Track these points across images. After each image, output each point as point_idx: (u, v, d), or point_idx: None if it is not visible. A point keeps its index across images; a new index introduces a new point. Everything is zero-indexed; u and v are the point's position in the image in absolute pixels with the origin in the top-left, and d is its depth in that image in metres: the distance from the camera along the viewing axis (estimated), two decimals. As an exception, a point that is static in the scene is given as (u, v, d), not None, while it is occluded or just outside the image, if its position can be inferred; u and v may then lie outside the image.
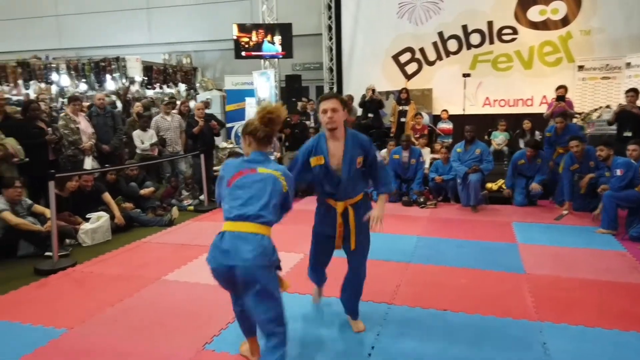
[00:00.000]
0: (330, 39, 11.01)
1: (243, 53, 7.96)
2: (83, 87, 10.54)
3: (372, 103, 9.02)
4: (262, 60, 8.17)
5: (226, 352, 2.89)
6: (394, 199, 7.21)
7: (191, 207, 6.83)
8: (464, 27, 10.36)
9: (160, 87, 10.63)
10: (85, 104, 7.56)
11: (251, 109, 8.11)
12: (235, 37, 7.93)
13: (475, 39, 10.35)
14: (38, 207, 5.00)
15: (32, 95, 9.33)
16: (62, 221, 5.25)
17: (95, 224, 5.30)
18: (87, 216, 5.37)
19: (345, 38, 10.92)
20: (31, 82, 10.38)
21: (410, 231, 5.56)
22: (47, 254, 4.64)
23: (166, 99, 8.84)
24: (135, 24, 12.73)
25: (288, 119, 7.71)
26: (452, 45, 10.51)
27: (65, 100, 8.67)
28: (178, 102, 8.20)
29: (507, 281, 4.00)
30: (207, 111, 7.57)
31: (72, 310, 3.46)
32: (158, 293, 3.82)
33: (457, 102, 9.70)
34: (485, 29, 10.26)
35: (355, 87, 10.28)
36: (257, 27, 7.63)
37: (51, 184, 4.36)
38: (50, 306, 3.56)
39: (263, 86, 7.68)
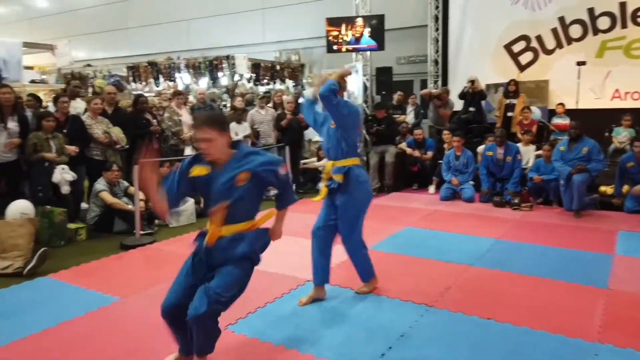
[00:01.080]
0: (437, 29, 10.54)
1: (334, 47, 8.00)
2: (203, 83, 11.49)
3: (474, 95, 8.43)
4: (354, 54, 8.13)
5: (244, 334, 2.96)
6: (485, 198, 6.70)
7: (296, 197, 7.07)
8: (590, 10, 9.15)
9: (267, 84, 11.16)
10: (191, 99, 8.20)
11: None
12: (326, 32, 8.05)
13: (603, 23, 9.08)
14: (133, 189, 5.59)
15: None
16: (154, 203, 5.81)
17: (182, 207, 5.76)
18: (176, 200, 5.86)
19: (453, 28, 10.37)
20: (160, 80, 11.60)
21: (489, 233, 5.12)
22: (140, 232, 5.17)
23: (263, 94, 9.26)
24: (251, 25, 13.52)
25: (373, 114, 7.57)
26: (575, 31, 9.35)
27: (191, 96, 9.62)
28: (285, 97, 8.50)
29: (580, 295, 3.48)
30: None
31: (130, 282, 3.83)
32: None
33: (581, 95, 8.62)
34: (616, 10, 8.95)
35: (461, 80, 9.69)
36: (347, 20, 7.60)
37: (135, 168, 4.85)
38: (115, 277, 3.99)
39: (352, 80, 7.66)
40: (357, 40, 7.29)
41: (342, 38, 7.60)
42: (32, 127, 5.10)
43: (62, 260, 4.40)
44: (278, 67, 11.54)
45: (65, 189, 5.05)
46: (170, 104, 7.24)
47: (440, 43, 10.50)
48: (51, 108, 6.08)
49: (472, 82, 8.15)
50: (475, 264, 4.15)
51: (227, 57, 10.24)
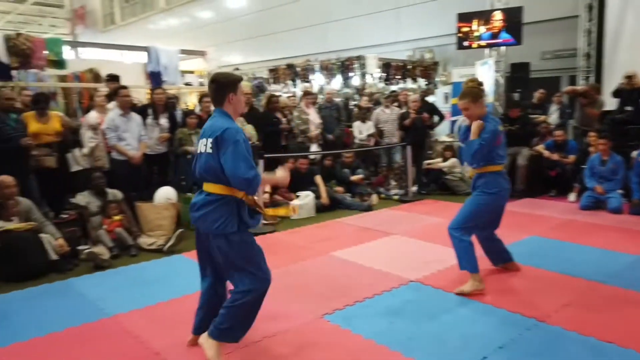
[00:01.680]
0: (590, 20, 9.44)
1: (465, 43, 7.64)
2: (336, 84, 11.88)
3: (631, 93, 7.39)
4: (487, 50, 7.65)
5: (338, 325, 3.05)
6: (635, 210, 5.86)
7: (396, 197, 7.06)
8: None
9: (397, 83, 11.11)
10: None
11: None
12: (457, 28, 7.72)
13: None
14: (260, 182, 6.06)
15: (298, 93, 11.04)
16: (279, 196, 6.24)
17: (303, 201, 6.09)
18: (297, 194, 6.21)
19: (610, 18, 9.17)
20: (297, 82, 12.28)
21: (633, 250, 4.48)
22: (262, 221, 5.59)
23: (389, 93, 9.24)
24: (385, 24, 13.56)
25: (506, 113, 7.09)
26: None
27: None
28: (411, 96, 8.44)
29: None
30: (433, 102, 7.55)
31: (247, 265, 4.18)
32: (319, 264, 4.22)
33: None
34: None
35: (618, 76, 8.53)
36: (479, 15, 7.18)
37: (260, 163, 5.26)
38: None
39: (484, 76, 7.21)
40: (495, 35, 6.87)
41: (473, 34, 7.25)
42: (180, 124, 5.83)
43: (194, 241, 4.95)
44: (410, 66, 11.42)
45: (203, 179, 5.67)
46: (300, 104, 7.65)
47: (594, 35, 9.38)
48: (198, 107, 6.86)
49: (630, 77, 7.17)
50: (607, 282, 3.68)
51: (358, 57, 10.44)
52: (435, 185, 7.64)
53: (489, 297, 3.41)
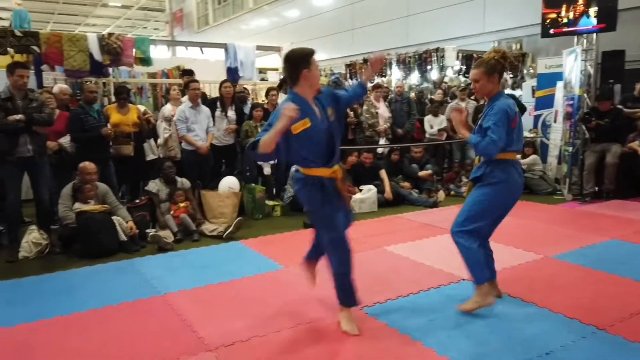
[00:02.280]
0: None
1: (551, 31, 7.02)
2: (414, 78, 11.61)
3: None
4: (575, 37, 6.93)
5: (375, 317, 2.98)
6: None
7: (466, 195, 6.72)
8: None
9: (479, 76, 10.60)
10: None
11: (560, 94, 7.09)
12: (542, 14, 7.12)
13: None
14: (323, 175, 6.08)
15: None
16: (342, 189, 6.21)
17: (364, 195, 6.02)
18: (360, 188, 6.16)
19: None
20: (376, 76, 12.16)
21: None
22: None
23: (464, 85, 8.81)
24: (470, 16, 12.96)
25: (595, 107, 6.45)
26: None
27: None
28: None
29: None
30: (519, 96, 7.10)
31: (297, 255, 4.20)
32: (369, 258, 4.14)
33: None
34: None
35: None
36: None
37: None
38: (287, 249, 4.44)
39: (571, 66, 6.55)
40: (582, 21, 6.25)
41: (561, 21, 6.66)
42: (248, 116, 6.03)
43: (255, 230, 5.12)
44: (493, 58, 10.83)
45: (267, 171, 5.83)
46: (369, 97, 7.56)
47: None
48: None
49: None
50: (691, 294, 3.23)
51: (437, 50, 10.10)
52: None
53: (548, 301, 3.13)
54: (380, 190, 6.21)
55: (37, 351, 2.61)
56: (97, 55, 6.99)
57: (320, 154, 2.61)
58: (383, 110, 7.36)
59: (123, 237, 4.43)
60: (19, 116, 4.01)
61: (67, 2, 21.99)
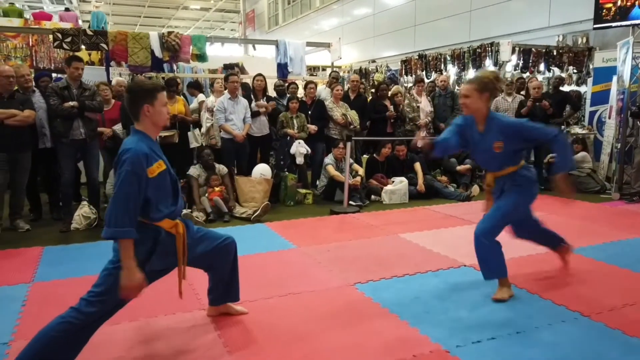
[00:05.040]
0: None
1: (606, 21, 6.59)
2: (470, 73, 11.36)
3: None
4: (630, 29, 6.43)
5: (363, 292, 3.13)
6: None
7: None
8: None
9: (538, 71, 10.15)
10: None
11: (614, 89, 6.65)
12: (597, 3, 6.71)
13: None
14: (355, 165, 6.23)
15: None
16: (375, 180, 6.35)
17: (395, 186, 6.10)
18: (392, 179, 6.24)
19: None
20: (431, 73, 12.05)
21: None
22: (350, 203, 5.79)
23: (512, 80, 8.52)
24: (535, 9, 12.45)
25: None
26: None
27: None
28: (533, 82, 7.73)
29: None
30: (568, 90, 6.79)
31: (312, 237, 4.45)
32: (379, 242, 4.28)
33: None
34: None
35: None
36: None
37: (348, 145, 5.47)
38: (306, 232, 4.68)
39: (623, 59, 6.11)
40: (627, 11, 5.84)
41: (614, 10, 6.27)
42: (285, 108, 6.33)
43: (283, 215, 5.40)
44: (554, 52, 10.34)
45: (299, 160, 6.08)
46: (412, 91, 7.59)
47: None
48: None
49: None
50: None
51: (491, 45, 9.84)
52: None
53: (541, 288, 3.12)
54: (414, 183, 6.26)
55: (69, 297, 3.04)
56: (158, 52, 7.62)
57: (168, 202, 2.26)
58: (425, 104, 7.37)
59: (160, 215, 4.86)
60: (73, 103, 4.57)
61: (152, 6, 23.69)
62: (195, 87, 7.28)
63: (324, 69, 13.84)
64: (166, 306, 2.91)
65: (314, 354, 2.37)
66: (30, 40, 8.48)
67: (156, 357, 2.38)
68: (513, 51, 9.85)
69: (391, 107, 7.05)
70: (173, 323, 2.73)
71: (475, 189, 6.32)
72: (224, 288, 2.73)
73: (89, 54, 8.87)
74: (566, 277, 3.36)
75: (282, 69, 8.62)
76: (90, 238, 4.46)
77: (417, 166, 6.41)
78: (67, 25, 9.51)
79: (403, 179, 6.18)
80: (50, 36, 7.76)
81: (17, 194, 4.66)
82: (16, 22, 9.34)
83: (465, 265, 3.60)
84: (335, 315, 2.79)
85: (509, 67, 10.65)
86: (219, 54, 9.16)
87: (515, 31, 12.50)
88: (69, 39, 7.19)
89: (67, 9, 11.28)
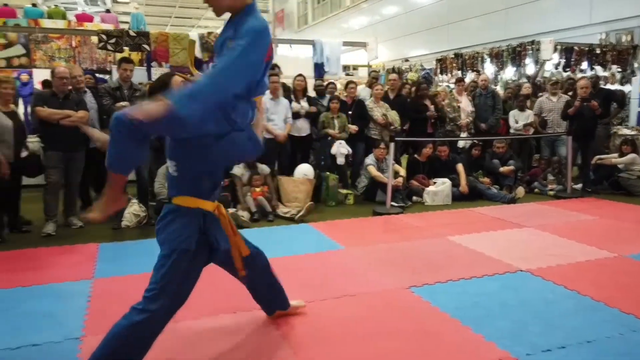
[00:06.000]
0: None
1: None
2: (509, 72, 11.15)
3: None
4: None
5: (420, 296, 3.09)
6: None
7: (552, 192, 6.42)
8: None
9: (581, 70, 9.87)
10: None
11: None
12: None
13: None
14: (396, 166, 6.18)
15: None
16: (416, 181, 6.28)
17: (438, 187, 6.02)
18: (434, 180, 6.16)
19: None
20: (467, 72, 11.86)
21: None
22: (392, 203, 5.74)
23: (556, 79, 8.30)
24: (574, 6, 12.12)
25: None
26: None
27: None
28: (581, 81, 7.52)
29: None
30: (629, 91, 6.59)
31: (358, 238, 4.42)
32: (428, 245, 4.22)
33: None
34: None
35: None
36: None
37: (391, 146, 5.42)
38: (351, 232, 4.66)
39: None
40: None
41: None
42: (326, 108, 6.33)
43: (326, 215, 5.39)
44: (598, 51, 10.04)
45: (340, 161, 6.07)
46: (452, 91, 7.49)
47: None
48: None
49: None
50: None
51: (532, 43, 9.62)
52: (607, 184, 6.69)
53: (605, 295, 3.02)
54: (456, 184, 6.17)
55: (131, 294, 3.10)
56: (198, 53, 7.72)
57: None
58: (465, 104, 7.26)
59: (207, 214, 4.92)
60: (125, 103, 4.66)
61: (182, 6, 24.05)
62: None
63: (355, 68, 13.80)
64: (227, 304, 2.94)
65: (379, 358, 2.35)
66: (74, 41, 8.70)
67: (221, 356, 2.39)
68: (554, 50, 9.62)
69: (432, 107, 6.96)
70: (235, 322, 2.76)
71: (520, 191, 6.18)
72: (266, 299, 2.73)
73: (129, 54, 9.08)
74: (628, 284, 3.25)
75: (319, 69, 8.62)
76: (142, 235, 4.53)
77: (460, 167, 6.32)
78: (107, 27, 9.73)
79: (446, 180, 6.10)
80: (93, 37, 7.95)
81: (71, 192, 4.78)
82: (60, 24, 9.60)
83: (521, 270, 3.52)
84: (395, 319, 2.76)
85: (549, 66, 10.42)
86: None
87: (554, 29, 12.19)
88: (113, 40, 7.35)
89: (107, 11, 11.55)
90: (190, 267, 2.11)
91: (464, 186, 6.13)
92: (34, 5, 11.35)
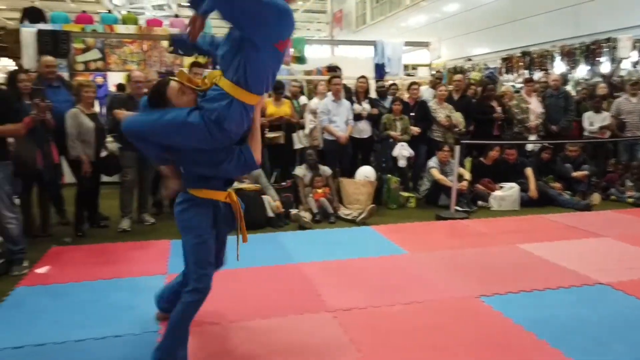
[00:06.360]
0: None
1: None
2: (582, 71, 10.58)
3: None
4: None
5: (490, 306, 2.99)
6: None
7: (631, 200, 6.02)
8: None
9: (662, 68, 9.18)
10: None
11: None
12: None
13: None
14: (461, 170, 6.00)
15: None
16: (481, 185, 6.09)
17: (505, 192, 5.80)
18: (501, 185, 5.94)
19: None
20: (535, 71, 11.35)
21: None
22: (456, 208, 5.60)
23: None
24: (656, 0, 11.30)
25: None
26: None
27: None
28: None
29: None
30: None
31: (423, 243, 4.35)
32: (498, 252, 4.08)
33: None
34: None
35: None
36: None
37: (457, 149, 5.29)
38: (415, 237, 4.59)
39: None
40: None
41: None
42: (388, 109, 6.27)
43: (387, 218, 5.34)
44: (683, 47, 9.30)
45: (402, 163, 5.98)
46: (520, 92, 7.19)
47: None
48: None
49: None
50: None
51: (607, 40, 9.06)
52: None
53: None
54: (525, 189, 5.91)
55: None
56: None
57: None
58: (535, 105, 6.94)
59: (270, 214, 5.02)
60: (194, 106, 4.83)
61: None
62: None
63: (414, 68, 13.57)
64: (294, 305, 2.98)
65: (452, 369, 2.29)
66: (145, 45, 9.13)
67: (290, 358, 2.42)
68: (633, 47, 9.01)
69: (499, 109, 6.71)
70: (302, 323, 2.79)
71: (595, 198, 5.84)
72: None
73: (195, 57, 9.41)
74: None
75: (380, 70, 8.55)
76: (208, 234, 4.68)
77: (529, 171, 6.05)
78: (175, 31, 10.13)
79: (514, 184, 5.86)
80: (164, 42, 8.30)
81: (144, 190, 5.02)
82: (132, 29, 10.10)
83: (600, 283, 3.32)
84: (466, 329, 2.69)
85: (627, 64, 9.77)
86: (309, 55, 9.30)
87: (630, 25, 11.42)
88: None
89: (176, 16, 12.04)
90: (209, 249, 2.31)
91: (533, 191, 5.87)
92: (109, 11, 12.01)
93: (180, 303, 2.25)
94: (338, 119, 5.79)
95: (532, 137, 6.91)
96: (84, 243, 4.34)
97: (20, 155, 4.00)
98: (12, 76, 4.44)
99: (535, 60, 10.92)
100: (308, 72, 10.47)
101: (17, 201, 3.99)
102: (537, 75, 11.09)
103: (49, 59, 4.97)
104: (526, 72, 11.36)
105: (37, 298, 3.13)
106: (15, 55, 6.65)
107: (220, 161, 2.20)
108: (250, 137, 2.28)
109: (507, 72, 11.71)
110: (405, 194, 5.98)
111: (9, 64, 9.08)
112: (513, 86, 9.45)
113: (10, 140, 3.75)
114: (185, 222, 2.30)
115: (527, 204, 5.83)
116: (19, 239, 3.63)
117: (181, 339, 2.28)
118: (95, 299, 3.08)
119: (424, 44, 9.16)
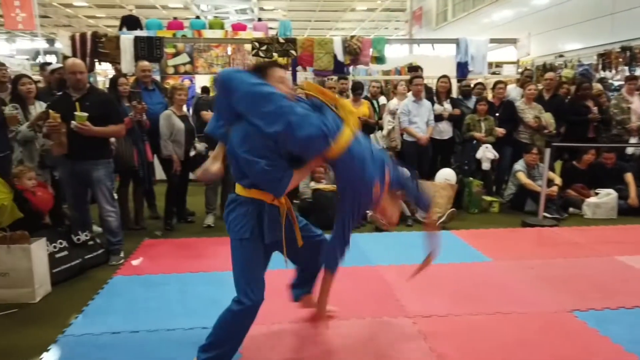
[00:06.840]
0: None
1: None
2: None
3: None
4: None
5: (585, 322, 2.79)
6: None
7: None
8: None
9: None
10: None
11: None
12: None
13: None
14: (550, 174, 5.63)
15: None
16: (574, 191, 5.69)
17: (601, 199, 5.37)
18: (596, 191, 5.51)
19: None
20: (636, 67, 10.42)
21: None
22: (544, 214, 5.26)
23: None
24: None
25: None
26: None
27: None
28: None
29: None
30: None
31: (508, 251, 4.15)
32: (592, 264, 3.79)
33: None
34: None
35: None
36: None
37: (547, 152, 4.97)
38: (499, 244, 4.39)
39: None
40: None
41: None
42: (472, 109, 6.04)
43: (468, 222, 5.15)
44: None
45: (486, 165, 5.73)
46: (621, 90, 6.63)
47: None
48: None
49: None
50: None
51: None
52: None
53: None
54: (623, 196, 5.44)
55: (278, 285, 3.31)
56: (340, 56, 7.91)
57: None
58: (637, 105, 6.35)
59: (347, 214, 5.02)
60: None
61: (323, 10, 24.95)
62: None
63: (498, 66, 12.95)
64: (369, 308, 2.96)
65: (541, 388, 2.16)
66: (229, 49, 9.52)
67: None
68: None
69: (595, 109, 6.22)
70: (380, 327, 2.76)
71: None
72: (307, 281, 2.70)
73: (276, 59, 9.67)
74: None
75: (462, 68, 8.25)
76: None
77: (629, 177, 5.56)
78: (258, 34, 10.49)
79: (611, 191, 5.41)
80: (247, 45, 8.60)
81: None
82: (218, 34, 10.59)
83: None
84: (557, 346, 2.52)
85: None
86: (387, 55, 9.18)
87: None
88: (264, 47, 7.88)
89: (259, 19, 12.45)
90: (251, 254, 2.19)
91: (633, 198, 5.38)
92: (198, 17, 12.67)
93: (226, 309, 2.19)
94: (419, 119, 5.67)
95: (633, 140, 6.34)
96: (172, 237, 4.62)
97: (119, 153, 4.37)
98: (113, 81, 4.83)
99: (638, 55, 9.99)
100: (386, 72, 10.36)
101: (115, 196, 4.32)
102: (639, 72, 10.18)
103: (144, 63, 5.34)
104: (626, 68, 10.45)
105: (132, 287, 3.37)
106: (115, 61, 7.19)
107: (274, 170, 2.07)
108: (300, 170, 2.19)
109: (603, 69, 10.83)
110: (488, 198, 5.72)
111: (108, 69, 9.88)
112: (611, 83, 8.70)
113: (112, 140, 4.08)
114: (228, 224, 2.21)
115: (626, 212, 5.36)
116: (117, 231, 3.94)
117: (228, 344, 2.21)
118: (184, 290, 3.26)
119: (511, 41, 8.70)
